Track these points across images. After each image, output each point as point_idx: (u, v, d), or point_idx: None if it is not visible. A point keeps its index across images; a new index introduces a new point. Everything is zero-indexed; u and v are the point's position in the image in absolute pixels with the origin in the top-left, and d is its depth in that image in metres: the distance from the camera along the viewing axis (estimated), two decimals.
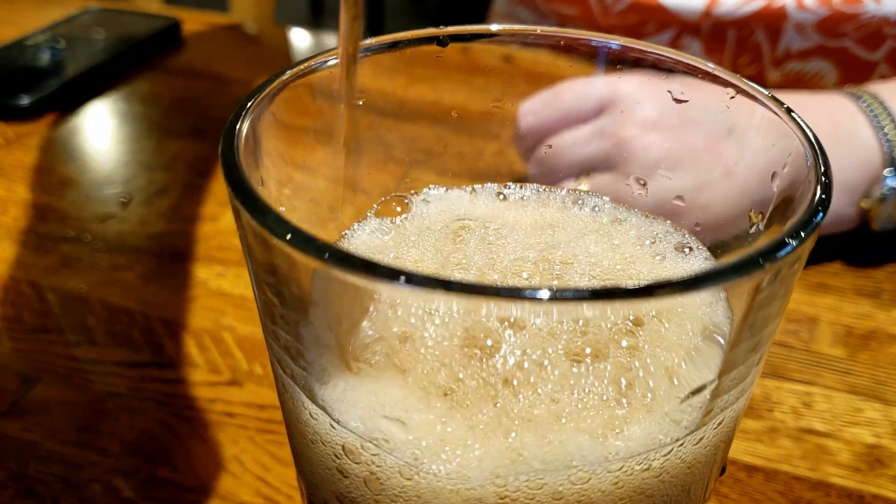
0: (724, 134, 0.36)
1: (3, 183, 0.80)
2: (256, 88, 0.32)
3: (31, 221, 0.75)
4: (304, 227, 0.25)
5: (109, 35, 1.05)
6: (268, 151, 0.33)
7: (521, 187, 0.40)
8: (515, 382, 0.28)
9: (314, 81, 0.35)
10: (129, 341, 0.61)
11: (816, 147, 0.29)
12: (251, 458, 0.52)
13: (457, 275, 0.35)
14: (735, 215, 0.35)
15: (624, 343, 0.29)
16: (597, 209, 0.39)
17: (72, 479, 0.50)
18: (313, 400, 0.29)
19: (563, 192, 0.40)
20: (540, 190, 0.40)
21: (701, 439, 0.28)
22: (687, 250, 0.36)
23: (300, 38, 1.23)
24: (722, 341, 0.30)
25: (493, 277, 0.34)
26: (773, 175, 0.32)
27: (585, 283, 0.34)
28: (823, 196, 0.27)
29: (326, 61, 0.35)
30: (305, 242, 0.25)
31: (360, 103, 0.37)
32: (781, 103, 0.31)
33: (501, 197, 0.40)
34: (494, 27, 0.38)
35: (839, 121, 0.65)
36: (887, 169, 0.64)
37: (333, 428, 0.29)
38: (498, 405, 0.27)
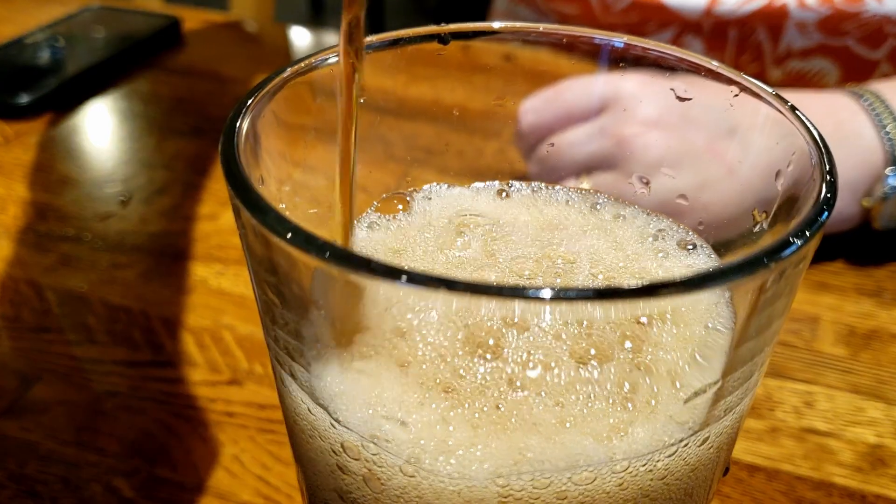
0: (727, 132, 0.36)
1: (3, 181, 0.80)
2: (257, 86, 0.32)
3: (30, 220, 0.75)
4: (304, 226, 0.25)
5: (109, 33, 1.05)
6: (268, 150, 0.33)
7: (522, 185, 0.40)
8: (518, 382, 0.28)
9: (315, 79, 0.35)
10: (129, 340, 0.61)
11: (821, 146, 0.29)
12: (251, 457, 0.52)
13: (459, 273, 0.34)
14: (738, 214, 0.35)
15: (627, 343, 0.29)
16: (599, 206, 0.39)
17: (71, 479, 0.50)
18: (314, 399, 0.29)
19: (566, 189, 0.40)
20: (542, 187, 0.40)
21: (705, 440, 0.28)
22: (690, 247, 0.36)
23: (300, 37, 1.23)
24: (726, 341, 0.30)
25: (494, 275, 0.34)
26: (778, 174, 0.32)
27: (588, 281, 0.34)
28: (829, 195, 0.27)
29: (327, 59, 0.35)
30: (306, 241, 0.24)
31: (362, 101, 0.37)
32: (786, 101, 0.31)
33: (503, 194, 0.40)
34: (497, 24, 0.37)
35: (841, 120, 0.65)
36: (889, 168, 0.63)
37: (334, 427, 0.29)
38: (500, 405, 0.27)
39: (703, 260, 0.36)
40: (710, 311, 0.31)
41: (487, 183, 0.40)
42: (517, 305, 0.24)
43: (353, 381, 0.29)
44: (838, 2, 0.80)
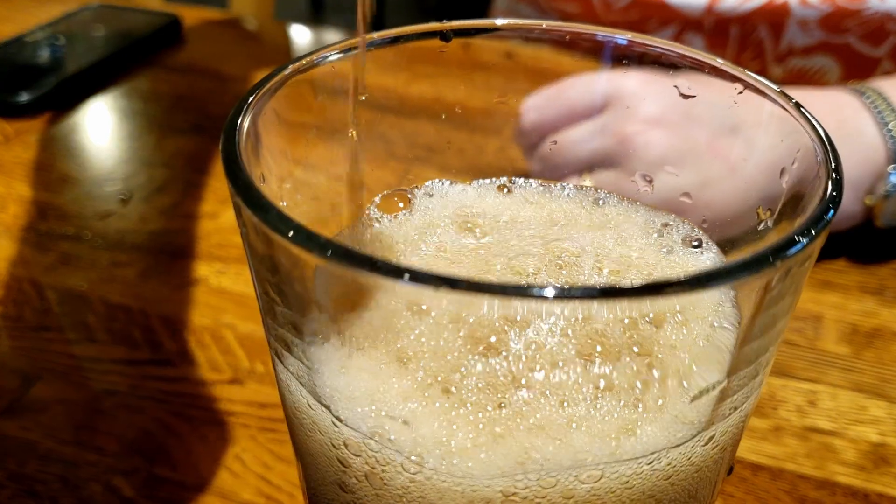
0: (731, 130, 0.36)
1: (3, 180, 0.80)
2: (257, 84, 0.32)
3: (30, 219, 0.74)
4: (305, 224, 0.24)
5: (109, 31, 1.05)
6: (269, 147, 0.32)
7: (525, 181, 0.40)
8: (522, 381, 0.28)
9: (315, 77, 0.35)
10: (129, 339, 0.61)
11: (827, 143, 0.28)
12: (252, 456, 0.52)
13: (461, 270, 0.34)
14: (742, 212, 0.35)
15: (633, 342, 0.29)
16: (603, 203, 0.38)
17: (71, 479, 0.50)
18: (315, 397, 0.29)
19: (569, 186, 0.40)
20: (545, 185, 0.40)
21: (710, 439, 0.28)
22: (695, 244, 0.36)
23: (300, 35, 1.23)
24: (731, 340, 0.30)
25: (498, 273, 0.34)
26: (782, 171, 0.31)
27: (593, 277, 0.33)
28: (834, 193, 0.26)
29: (327, 56, 0.35)
30: (308, 239, 0.24)
31: (363, 98, 0.36)
32: (790, 99, 0.31)
33: (505, 191, 0.39)
34: (499, 21, 0.37)
35: (844, 117, 0.64)
36: (891, 166, 0.63)
37: (335, 425, 0.28)
38: (505, 403, 0.27)
39: (708, 257, 0.35)
40: (716, 309, 0.30)
41: (489, 180, 0.40)
42: (521, 304, 0.24)
43: (355, 379, 0.29)
44: None
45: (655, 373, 0.28)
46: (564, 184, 0.40)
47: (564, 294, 0.22)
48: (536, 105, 0.43)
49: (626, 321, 0.29)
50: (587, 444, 0.26)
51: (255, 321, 0.62)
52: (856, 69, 0.84)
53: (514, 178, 0.40)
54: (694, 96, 0.36)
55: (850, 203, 0.65)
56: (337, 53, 0.35)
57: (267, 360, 0.59)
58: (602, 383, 0.28)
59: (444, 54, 0.38)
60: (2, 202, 0.77)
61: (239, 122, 0.30)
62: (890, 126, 0.63)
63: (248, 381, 0.57)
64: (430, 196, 0.39)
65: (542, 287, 0.22)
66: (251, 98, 0.31)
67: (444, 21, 0.37)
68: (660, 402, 0.28)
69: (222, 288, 0.66)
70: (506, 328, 0.28)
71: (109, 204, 0.77)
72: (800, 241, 0.24)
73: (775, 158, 0.32)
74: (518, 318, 0.28)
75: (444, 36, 0.37)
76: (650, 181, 0.41)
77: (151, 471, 0.51)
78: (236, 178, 0.27)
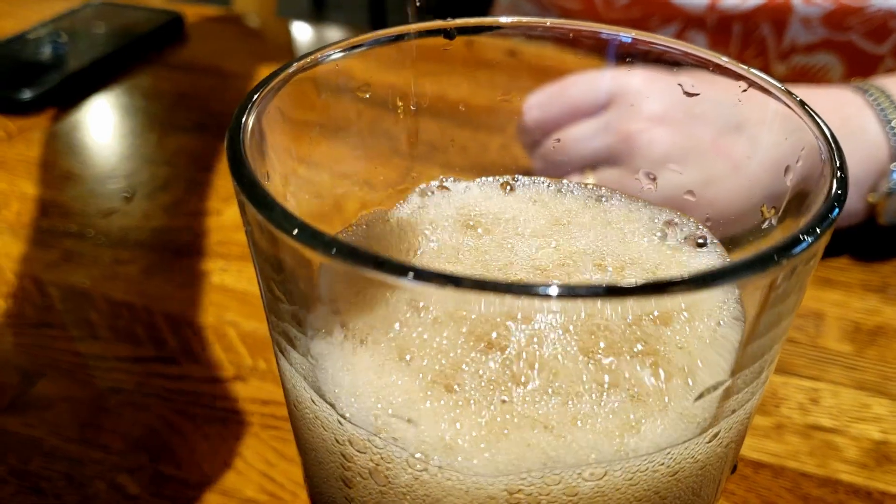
0: (735, 128, 0.36)
1: (6, 177, 0.80)
2: (262, 82, 0.32)
3: (33, 216, 0.74)
4: (310, 222, 0.24)
5: (111, 29, 1.05)
6: (273, 146, 0.33)
7: (528, 180, 0.40)
8: (527, 379, 0.28)
9: (319, 75, 0.35)
10: (132, 337, 0.61)
11: (831, 141, 0.28)
12: (255, 454, 0.52)
13: (465, 268, 0.34)
14: (745, 210, 0.35)
15: (637, 340, 0.29)
16: (606, 201, 0.38)
17: (75, 476, 0.50)
18: (319, 394, 0.29)
19: (573, 184, 0.40)
20: (549, 183, 0.40)
21: (715, 437, 0.28)
22: (700, 241, 0.36)
23: (302, 32, 1.23)
24: (736, 338, 0.30)
25: (501, 270, 0.34)
26: (787, 169, 0.31)
27: (596, 276, 0.34)
28: (839, 191, 0.26)
29: (332, 55, 0.35)
30: (312, 237, 0.24)
31: (367, 96, 0.36)
32: (795, 97, 0.31)
33: (508, 189, 0.39)
34: (503, 19, 0.37)
35: (847, 115, 0.64)
36: (894, 163, 0.63)
37: (340, 423, 0.29)
38: (510, 402, 0.27)
39: (712, 255, 0.35)
40: (721, 307, 0.30)
41: (493, 178, 0.40)
42: (526, 302, 0.24)
43: (359, 377, 0.29)
44: None
45: (660, 371, 0.28)
46: (567, 181, 0.40)
47: (570, 293, 0.22)
48: (539, 102, 0.43)
49: (631, 319, 0.29)
50: (592, 442, 0.26)
51: (257, 319, 0.62)
52: (858, 66, 0.84)
53: (517, 176, 0.40)
54: (698, 94, 0.36)
55: (853, 201, 0.65)
56: (340, 52, 0.35)
57: (269, 357, 0.59)
58: (606, 381, 0.28)
59: (448, 52, 0.38)
60: (5, 199, 0.77)
61: (244, 120, 0.30)
62: (893, 124, 0.63)
63: (250, 379, 0.57)
64: (434, 194, 0.39)
65: (547, 286, 0.22)
66: (256, 96, 0.31)
67: (449, 19, 0.37)
68: (664, 399, 0.28)
69: (225, 285, 0.66)
70: (510, 326, 0.28)
71: (112, 201, 0.77)
72: (805, 239, 0.24)
73: (779, 156, 0.32)
74: (524, 317, 0.28)
75: (448, 34, 0.37)
76: (654, 179, 0.41)
77: (156, 468, 0.51)
78: (241, 176, 0.27)
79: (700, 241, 0.36)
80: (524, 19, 0.37)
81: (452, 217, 0.38)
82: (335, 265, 0.25)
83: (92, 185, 0.80)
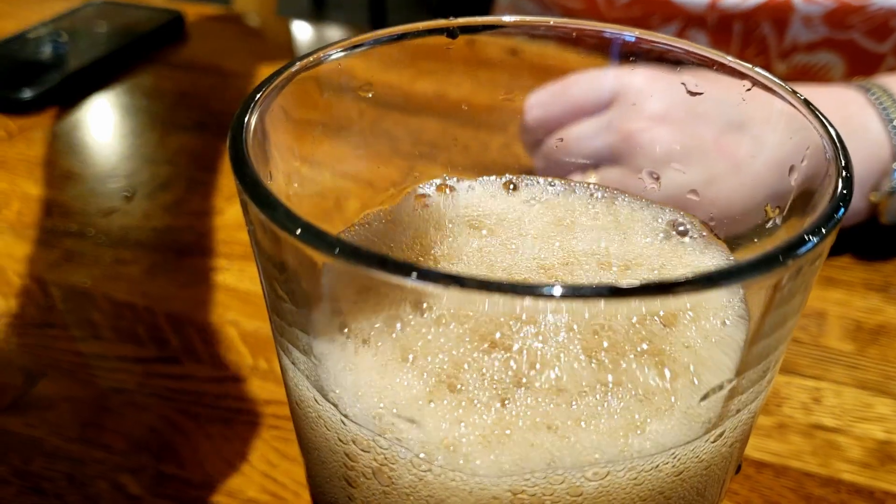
0: (739, 127, 0.36)
1: (6, 177, 0.80)
2: (264, 81, 0.32)
3: (34, 216, 0.74)
4: (313, 221, 0.24)
5: (112, 28, 1.05)
6: (276, 145, 0.32)
7: (530, 179, 0.40)
8: (531, 380, 0.27)
9: (322, 74, 0.35)
10: (134, 336, 0.61)
11: (836, 141, 0.28)
12: (257, 454, 0.52)
13: (467, 269, 0.34)
14: (749, 209, 0.35)
15: (642, 340, 0.29)
16: (608, 199, 0.38)
17: (77, 476, 0.50)
18: (322, 394, 0.29)
19: (576, 184, 0.40)
20: (552, 182, 0.40)
21: (719, 437, 0.28)
22: (702, 241, 0.36)
23: (302, 31, 1.23)
24: (741, 339, 0.30)
25: (504, 270, 0.34)
26: (791, 169, 0.31)
27: (600, 276, 0.33)
28: (844, 191, 0.26)
29: (334, 54, 0.35)
30: (316, 237, 0.24)
31: (369, 96, 0.36)
32: (799, 96, 0.31)
33: (511, 188, 0.39)
34: (505, 18, 0.37)
35: (849, 114, 0.64)
36: None
37: (343, 424, 0.28)
38: (513, 402, 0.27)
39: (716, 255, 0.35)
40: (725, 308, 0.30)
41: (496, 177, 0.40)
42: (530, 302, 0.24)
43: (362, 377, 0.29)
44: None
45: (665, 371, 0.28)
46: (573, 182, 0.40)
47: (574, 293, 0.22)
48: (541, 101, 0.43)
49: (635, 319, 0.29)
50: (596, 442, 0.26)
51: (259, 318, 0.62)
52: (860, 65, 0.84)
53: (519, 176, 0.40)
54: (701, 93, 0.36)
55: (855, 200, 0.64)
56: (342, 51, 0.35)
57: (271, 356, 0.59)
58: (611, 381, 0.28)
59: (449, 51, 0.38)
60: (5, 199, 0.77)
61: (246, 119, 0.30)
62: (895, 123, 0.63)
63: (252, 378, 0.57)
64: (436, 193, 0.39)
65: (551, 286, 0.22)
66: (258, 95, 0.31)
67: (451, 18, 0.37)
68: (670, 399, 0.27)
69: (226, 285, 0.66)
70: (514, 327, 0.28)
71: (113, 201, 0.77)
72: (810, 239, 0.24)
73: (784, 156, 0.32)
74: (526, 317, 0.28)
75: (450, 33, 0.37)
76: (657, 178, 0.41)
77: (158, 468, 0.51)
78: (244, 175, 0.27)
79: (703, 240, 0.36)
80: (527, 18, 0.37)
81: (456, 217, 0.37)
82: (338, 265, 0.25)
83: (93, 185, 0.80)
